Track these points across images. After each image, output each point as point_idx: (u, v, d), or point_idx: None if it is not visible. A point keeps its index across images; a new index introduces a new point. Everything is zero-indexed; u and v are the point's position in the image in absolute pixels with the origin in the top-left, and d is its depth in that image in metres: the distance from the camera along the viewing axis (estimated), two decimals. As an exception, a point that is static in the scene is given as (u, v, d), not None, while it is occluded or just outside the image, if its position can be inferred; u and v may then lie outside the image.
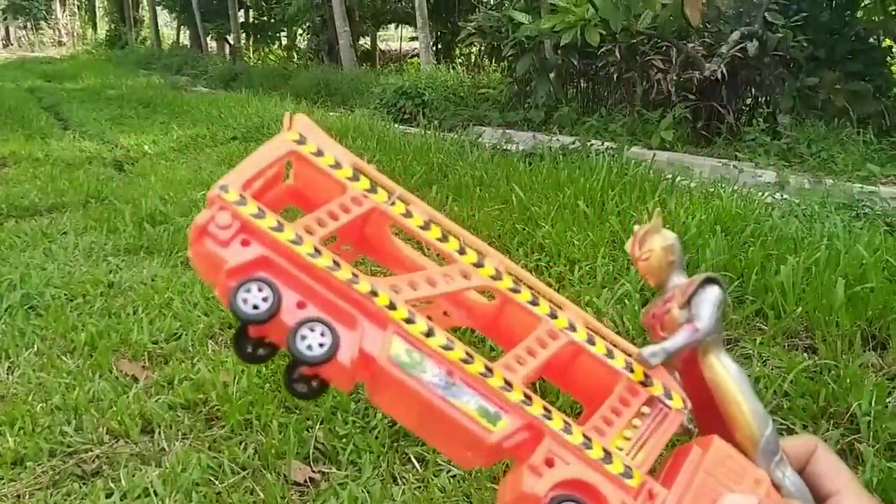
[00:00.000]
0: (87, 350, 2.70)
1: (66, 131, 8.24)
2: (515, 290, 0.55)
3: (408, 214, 0.56)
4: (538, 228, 3.69)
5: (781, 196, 4.63)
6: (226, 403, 2.28)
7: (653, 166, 5.10)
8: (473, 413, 0.49)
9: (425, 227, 0.56)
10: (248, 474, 2.02)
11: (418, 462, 2.05)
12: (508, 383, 0.51)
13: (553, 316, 0.55)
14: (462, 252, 0.56)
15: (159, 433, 2.21)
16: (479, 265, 0.55)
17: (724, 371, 0.54)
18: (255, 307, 0.48)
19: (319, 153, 0.56)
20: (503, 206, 4.18)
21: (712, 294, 0.54)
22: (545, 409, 0.51)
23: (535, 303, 0.55)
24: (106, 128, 8.39)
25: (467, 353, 0.51)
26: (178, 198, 4.74)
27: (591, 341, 0.55)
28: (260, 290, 0.49)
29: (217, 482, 1.99)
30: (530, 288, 0.56)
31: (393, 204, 0.56)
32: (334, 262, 0.51)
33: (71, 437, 2.18)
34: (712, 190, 4.41)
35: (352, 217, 0.54)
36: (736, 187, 4.55)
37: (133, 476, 2.02)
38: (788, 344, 2.65)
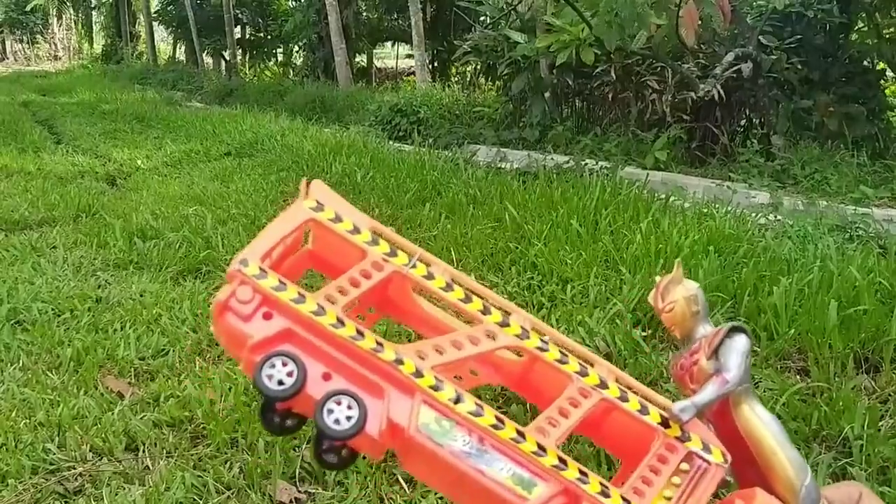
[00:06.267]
0: (73, 366, 2.68)
1: (59, 145, 8.23)
2: (543, 349, 0.54)
3: (429, 276, 0.55)
4: (531, 247, 3.68)
5: (775, 217, 4.63)
6: (212, 422, 2.26)
7: (646, 186, 5.11)
8: (507, 481, 0.48)
9: (448, 287, 0.55)
10: (232, 494, 1.99)
11: (406, 483, 2.02)
12: (542, 447, 0.49)
13: (583, 373, 0.54)
14: (486, 311, 0.54)
15: (144, 451, 2.18)
16: (504, 324, 0.54)
17: (759, 421, 0.52)
18: (281, 383, 0.48)
19: (338, 219, 0.55)
20: (496, 224, 4.17)
21: (739, 343, 0.53)
22: (581, 472, 0.49)
23: (563, 360, 0.54)
24: (99, 142, 8.38)
25: (498, 419, 0.49)
26: (169, 213, 4.72)
27: (623, 398, 0.53)
28: (284, 364, 0.48)
29: (201, 502, 1.97)
30: (558, 345, 0.55)
31: (414, 266, 0.55)
32: (358, 331, 0.51)
33: (54, 454, 2.15)
34: (706, 210, 4.40)
35: (373, 283, 0.53)
36: (729, 208, 4.55)
37: (116, 495, 1.99)
38: (781, 366, 2.63)
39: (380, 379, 0.49)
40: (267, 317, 0.50)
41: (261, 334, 0.49)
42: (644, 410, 0.53)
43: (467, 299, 0.55)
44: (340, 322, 0.50)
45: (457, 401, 0.49)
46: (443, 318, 0.59)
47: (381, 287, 0.55)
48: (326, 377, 0.49)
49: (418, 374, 0.49)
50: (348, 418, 0.47)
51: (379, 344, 0.50)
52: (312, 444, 0.51)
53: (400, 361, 0.49)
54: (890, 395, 2.44)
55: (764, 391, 2.42)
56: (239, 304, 0.49)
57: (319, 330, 0.50)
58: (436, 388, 0.49)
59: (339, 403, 0.47)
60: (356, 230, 0.55)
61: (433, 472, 0.50)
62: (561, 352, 0.55)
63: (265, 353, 0.48)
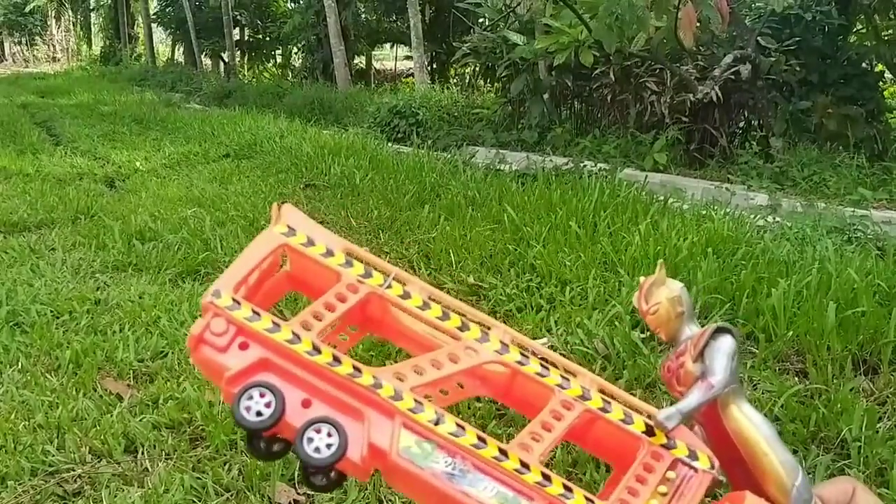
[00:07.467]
0: (72, 368, 2.67)
1: (57, 147, 8.21)
2: (523, 363, 0.54)
3: (405, 295, 0.55)
4: (530, 249, 3.69)
5: (773, 219, 4.63)
6: (211, 423, 2.26)
7: (645, 188, 5.11)
8: (492, 500, 0.48)
9: (425, 305, 0.55)
10: (231, 496, 1.99)
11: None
12: (525, 464, 0.49)
13: (565, 385, 0.54)
14: (464, 328, 0.55)
15: (142, 453, 2.18)
16: (483, 339, 0.54)
17: (748, 422, 0.52)
18: (259, 414, 0.48)
19: (310, 243, 0.55)
20: (495, 225, 4.17)
21: (724, 345, 0.52)
22: (565, 487, 0.49)
23: (544, 373, 0.54)
24: (98, 144, 8.37)
25: (479, 437, 0.50)
26: (168, 215, 4.72)
27: (605, 409, 0.53)
28: (262, 395, 0.48)
29: (200, 504, 1.97)
30: (538, 357, 0.55)
31: (389, 286, 0.55)
32: (334, 357, 0.50)
33: (53, 456, 2.15)
34: (704, 212, 4.41)
35: (348, 306, 0.54)
36: (728, 210, 4.56)
37: (115, 497, 1.99)
38: (779, 368, 2.63)
39: (359, 403, 0.49)
40: (243, 347, 0.50)
41: (237, 365, 0.49)
42: (628, 420, 0.53)
43: (445, 316, 0.55)
44: (316, 349, 0.50)
45: (437, 422, 0.49)
46: (425, 333, 0.59)
47: (358, 309, 0.55)
48: (306, 404, 0.49)
49: (397, 396, 0.50)
50: (328, 446, 0.47)
51: (356, 369, 0.50)
52: (300, 468, 0.51)
53: (378, 385, 0.50)
54: (888, 396, 2.44)
55: (762, 393, 2.42)
56: (214, 336, 0.50)
57: (296, 357, 0.50)
58: (415, 411, 0.49)
59: (318, 431, 0.48)
60: (329, 253, 0.55)
61: (418, 494, 0.50)
62: (542, 364, 0.55)
63: (242, 385, 0.48)
